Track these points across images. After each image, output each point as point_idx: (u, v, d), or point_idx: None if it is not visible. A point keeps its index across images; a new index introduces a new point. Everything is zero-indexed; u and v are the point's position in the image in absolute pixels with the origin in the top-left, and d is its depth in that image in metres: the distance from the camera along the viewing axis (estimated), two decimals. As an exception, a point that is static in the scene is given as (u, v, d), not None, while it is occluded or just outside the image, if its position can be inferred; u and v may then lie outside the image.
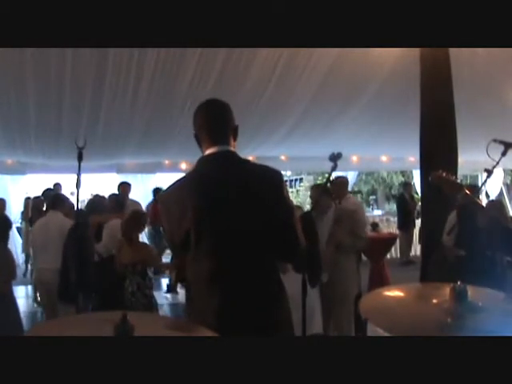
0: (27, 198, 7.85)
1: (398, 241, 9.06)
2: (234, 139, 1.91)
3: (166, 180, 12.68)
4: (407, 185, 10.17)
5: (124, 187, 6.94)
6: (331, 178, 2.82)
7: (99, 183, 8.59)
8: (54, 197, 4.96)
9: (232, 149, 1.87)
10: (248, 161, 1.93)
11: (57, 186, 7.82)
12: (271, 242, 1.79)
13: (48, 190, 7.58)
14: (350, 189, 6.17)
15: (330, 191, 4.36)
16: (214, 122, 1.89)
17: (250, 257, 1.79)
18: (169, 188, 1.90)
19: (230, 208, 1.75)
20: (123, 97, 5.83)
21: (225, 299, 1.73)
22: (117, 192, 7.13)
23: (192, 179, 1.84)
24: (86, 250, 4.19)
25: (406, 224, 9.16)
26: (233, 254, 1.76)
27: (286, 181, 20.44)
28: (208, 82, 5.79)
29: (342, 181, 5.78)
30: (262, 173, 1.86)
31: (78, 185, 3.13)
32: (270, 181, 1.83)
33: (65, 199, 4.94)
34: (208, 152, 1.84)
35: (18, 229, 8.67)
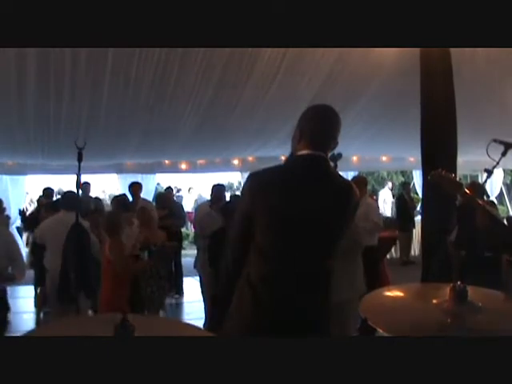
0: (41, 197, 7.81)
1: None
2: (330, 151, 1.97)
3: (166, 180, 12.74)
4: (406, 185, 10.18)
5: (135, 187, 6.94)
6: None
7: (99, 183, 8.61)
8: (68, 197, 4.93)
9: (323, 154, 1.89)
10: (336, 171, 1.98)
11: (86, 185, 7.82)
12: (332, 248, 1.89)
13: (47, 189, 7.60)
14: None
15: None
16: (324, 130, 1.90)
17: (314, 260, 1.85)
18: (261, 172, 1.90)
19: (311, 209, 1.80)
20: (123, 97, 5.82)
21: (281, 296, 1.79)
22: (123, 192, 7.16)
23: (283, 173, 1.89)
24: (86, 250, 4.20)
25: (405, 224, 9.16)
26: (298, 254, 1.81)
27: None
28: (210, 83, 5.79)
29: (359, 180, 5.80)
30: (345, 186, 1.93)
31: (77, 185, 3.14)
32: (348, 194, 1.90)
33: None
34: (304, 152, 1.86)
35: (18, 229, 8.67)
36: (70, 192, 4.64)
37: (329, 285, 1.90)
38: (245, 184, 1.92)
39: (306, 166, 1.86)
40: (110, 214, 4.89)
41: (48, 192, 7.62)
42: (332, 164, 2.40)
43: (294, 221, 1.79)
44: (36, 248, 5.19)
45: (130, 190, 6.93)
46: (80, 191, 3.42)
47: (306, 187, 1.82)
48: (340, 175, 1.98)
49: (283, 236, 1.81)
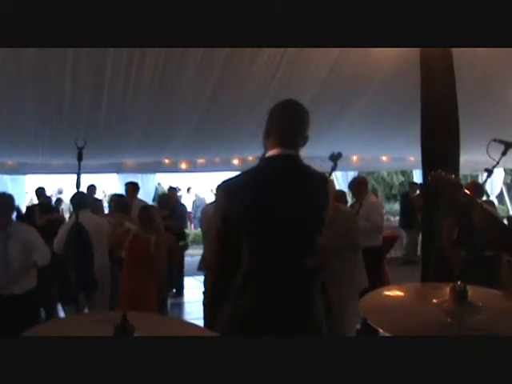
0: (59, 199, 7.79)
1: (399, 240, 9.09)
2: (302, 146, 1.92)
3: (165, 180, 12.72)
4: (413, 184, 10.15)
5: (129, 187, 6.90)
6: (331, 178, 2.83)
7: (98, 184, 8.60)
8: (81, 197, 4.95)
9: (296, 153, 1.88)
10: (309, 166, 1.95)
11: (91, 187, 7.81)
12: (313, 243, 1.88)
13: (40, 189, 7.54)
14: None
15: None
16: (291, 124, 1.88)
17: (299, 259, 1.83)
18: (234, 179, 1.88)
19: (289, 211, 1.79)
20: (123, 96, 5.83)
21: (268, 298, 1.78)
22: (119, 192, 7.14)
23: (255, 176, 1.87)
24: (86, 250, 4.20)
25: (410, 223, 9.14)
26: (281, 252, 1.80)
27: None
28: (209, 82, 5.79)
29: (359, 181, 5.78)
30: (320, 180, 1.92)
31: (78, 185, 3.14)
32: (324, 188, 1.90)
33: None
34: (274, 153, 1.85)
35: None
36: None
37: (315, 282, 1.89)
38: (216, 195, 1.90)
39: (276, 166, 1.84)
40: (153, 209, 4.90)
41: (40, 192, 7.61)
42: (332, 163, 2.40)
43: (272, 223, 1.77)
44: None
45: (125, 190, 6.92)
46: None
47: (278, 188, 1.80)
48: (313, 169, 1.94)
49: (263, 239, 1.78)
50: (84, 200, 4.82)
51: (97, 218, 4.65)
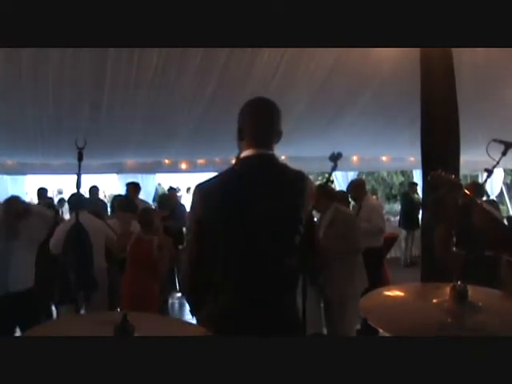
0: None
1: (400, 241, 9.09)
2: (276, 142, 1.91)
3: (165, 180, 12.71)
4: (412, 184, 10.16)
5: (131, 188, 6.90)
6: (331, 178, 2.82)
7: (98, 184, 8.59)
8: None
9: (271, 152, 1.87)
10: (286, 165, 1.93)
11: (94, 188, 7.79)
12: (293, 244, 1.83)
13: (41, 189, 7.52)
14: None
15: (329, 191, 4.33)
16: (263, 124, 1.87)
17: (277, 259, 1.81)
18: (208, 181, 1.86)
19: (266, 211, 1.76)
20: (123, 96, 5.83)
21: (247, 299, 1.76)
22: (120, 193, 7.13)
23: (230, 178, 1.84)
24: (86, 250, 4.20)
25: (412, 223, 9.15)
26: (258, 253, 1.78)
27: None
28: (209, 82, 5.79)
29: (358, 183, 5.81)
30: (298, 178, 1.89)
31: (78, 185, 3.13)
32: (302, 187, 1.86)
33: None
34: (249, 153, 1.84)
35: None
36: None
37: (293, 282, 1.87)
38: (192, 198, 1.85)
39: (251, 166, 1.82)
40: (153, 211, 4.92)
41: (41, 192, 7.60)
42: (332, 163, 2.40)
43: (247, 223, 1.75)
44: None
45: (126, 190, 6.92)
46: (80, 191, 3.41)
47: (254, 189, 1.77)
48: (290, 168, 1.92)
49: (239, 241, 1.76)
50: (82, 201, 4.82)
51: (94, 219, 4.64)
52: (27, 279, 3.78)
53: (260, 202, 1.76)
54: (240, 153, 1.88)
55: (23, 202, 4.01)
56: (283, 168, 1.89)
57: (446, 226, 4.05)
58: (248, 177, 1.81)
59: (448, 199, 3.83)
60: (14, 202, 3.81)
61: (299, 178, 1.89)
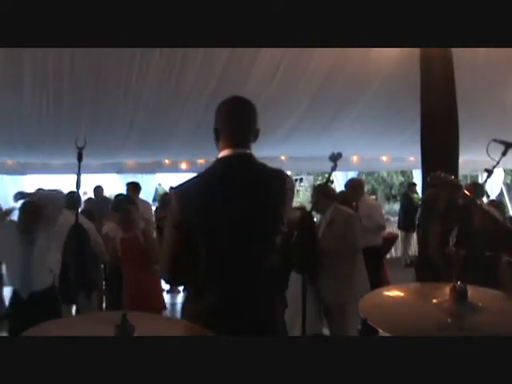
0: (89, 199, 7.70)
1: (399, 241, 9.09)
2: (253, 142, 1.90)
3: (166, 180, 12.72)
4: (411, 185, 10.16)
5: (130, 187, 6.89)
6: (331, 178, 2.82)
7: (99, 183, 8.60)
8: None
9: (249, 151, 1.86)
10: (264, 165, 1.91)
11: (99, 188, 7.78)
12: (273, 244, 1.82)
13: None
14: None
15: (329, 191, 4.32)
16: (239, 123, 1.86)
17: (259, 258, 1.80)
18: (186, 183, 1.85)
19: (245, 211, 1.76)
20: (123, 96, 5.83)
21: (228, 298, 1.75)
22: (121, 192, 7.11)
23: (209, 180, 1.82)
24: (86, 250, 4.21)
25: (411, 224, 9.13)
26: (238, 253, 1.77)
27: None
28: (210, 82, 5.79)
29: (355, 183, 5.82)
30: (277, 177, 1.87)
31: (77, 185, 3.14)
32: (282, 186, 1.85)
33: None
34: (226, 154, 1.83)
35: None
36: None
37: (274, 281, 1.86)
38: (170, 199, 1.83)
39: (230, 167, 1.81)
40: (129, 209, 4.89)
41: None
42: (332, 163, 2.40)
43: (227, 224, 1.74)
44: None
45: (127, 190, 6.92)
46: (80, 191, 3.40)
47: (232, 189, 1.76)
48: (269, 167, 1.90)
49: (219, 241, 1.75)
50: (78, 201, 4.79)
51: (86, 220, 4.65)
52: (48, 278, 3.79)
53: (239, 201, 1.74)
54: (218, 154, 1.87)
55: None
56: (262, 167, 1.87)
57: (440, 224, 4.06)
58: (226, 177, 1.79)
59: (442, 198, 3.84)
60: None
61: (278, 176, 1.87)
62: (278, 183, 1.85)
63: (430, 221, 4.28)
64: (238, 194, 1.76)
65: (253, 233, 1.78)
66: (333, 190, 4.62)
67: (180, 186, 1.84)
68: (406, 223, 9.30)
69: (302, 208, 4.57)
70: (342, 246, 3.98)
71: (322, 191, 4.17)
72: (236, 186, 1.78)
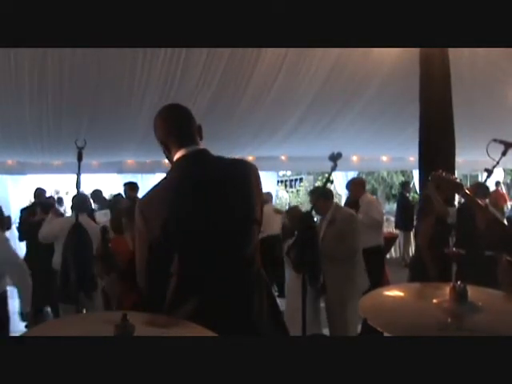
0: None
1: (399, 241, 9.09)
2: (200, 138, 1.90)
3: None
4: (406, 184, 10.17)
5: (127, 187, 6.89)
6: (331, 178, 2.82)
7: (97, 184, 8.60)
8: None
9: (202, 147, 1.86)
10: (223, 157, 1.90)
11: (97, 192, 7.78)
12: (248, 237, 1.81)
13: (39, 189, 7.52)
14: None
15: (327, 193, 4.31)
16: (180, 125, 1.87)
17: (237, 255, 1.78)
18: (147, 194, 1.81)
19: (215, 207, 1.73)
20: (123, 96, 5.83)
21: (212, 299, 1.72)
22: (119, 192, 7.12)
23: (171, 183, 1.79)
24: (86, 250, 4.20)
25: (408, 224, 9.13)
26: (216, 253, 1.74)
27: (286, 181, 20.45)
28: (211, 83, 5.80)
29: (356, 181, 5.90)
30: (239, 167, 1.87)
31: (77, 185, 3.14)
32: (246, 175, 1.84)
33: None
34: (180, 154, 1.82)
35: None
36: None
37: (255, 277, 1.83)
38: (136, 214, 1.76)
39: (187, 166, 1.79)
40: (119, 213, 4.90)
41: (39, 192, 7.58)
42: (332, 163, 2.39)
43: (200, 224, 1.71)
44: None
45: (124, 190, 6.93)
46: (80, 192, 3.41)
47: (196, 187, 1.73)
48: (228, 158, 1.89)
49: (193, 244, 1.72)
50: (86, 203, 4.86)
51: (91, 222, 4.67)
52: None
53: (206, 199, 1.72)
54: (171, 165, 1.86)
55: None
56: (219, 160, 1.87)
57: (428, 226, 4.06)
58: (186, 177, 1.77)
59: (435, 197, 3.85)
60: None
61: (239, 165, 1.87)
62: (241, 174, 1.83)
63: (419, 222, 4.29)
64: (201, 191, 1.73)
65: (227, 228, 1.74)
66: (331, 191, 4.62)
67: (141, 199, 1.81)
68: (402, 222, 9.29)
69: (295, 208, 4.57)
70: (342, 246, 3.97)
71: (320, 193, 4.18)
72: (199, 184, 1.74)
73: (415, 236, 5.17)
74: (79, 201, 4.42)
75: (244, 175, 1.84)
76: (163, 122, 1.90)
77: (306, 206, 10.05)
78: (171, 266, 1.73)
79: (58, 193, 12.27)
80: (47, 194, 7.94)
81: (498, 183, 11.17)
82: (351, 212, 4.37)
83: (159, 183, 1.84)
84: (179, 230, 1.70)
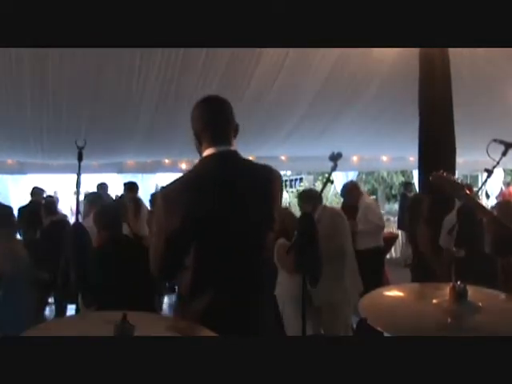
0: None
1: (399, 241, 9.07)
2: (234, 138, 1.88)
3: (166, 180, 12.73)
4: (408, 184, 10.17)
5: (129, 188, 6.88)
6: (331, 178, 2.81)
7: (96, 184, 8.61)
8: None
9: (234, 148, 1.84)
10: (250, 161, 1.91)
11: (103, 185, 7.76)
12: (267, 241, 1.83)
13: (36, 188, 7.52)
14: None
15: (313, 194, 4.27)
16: (218, 120, 1.83)
17: (252, 257, 1.79)
18: (172, 184, 1.79)
19: (236, 209, 1.74)
20: (124, 96, 5.82)
21: (224, 298, 1.73)
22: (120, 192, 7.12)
23: (196, 178, 1.78)
24: (86, 250, 4.20)
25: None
26: (236, 254, 1.75)
27: (286, 181, 20.44)
28: (212, 83, 5.79)
29: (349, 187, 5.91)
30: (265, 173, 1.87)
31: (77, 185, 3.14)
32: (270, 181, 1.85)
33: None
34: (210, 152, 1.80)
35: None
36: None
37: (269, 281, 1.88)
38: (158, 201, 1.77)
39: (215, 165, 1.77)
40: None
41: (36, 191, 7.56)
42: (332, 163, 2.39)
43: (219, 223, 1.71)
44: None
45: (124, 190, 6.92)
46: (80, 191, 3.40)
47: (220, 187, 1.73)
48: (255, 163, 1.88)
49: (211, 242, 1.72)
50: (100, 200, 4.89)
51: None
52: None
53: (228, 200, 1.73)
54: (200, 156, 1.84)
55: None
56: (247, 163, 1.87)
57: (425, 225, 4.05)
58: (212, 175, 1.76)
59: (424, 198, 3.85)
60: None
61: (266, 172, 1.86)
62: (265, 179, 1.83)
63: (415, 222, 4.27)
64: (226, 192, 1.73)
65: (244, 231, 1.75)
66: (316, 192, 4.59)
67: (164, 188, 1.80)
68: (404, 223, 9.29)
69: (286, 209, 4.56)
70: (330, 247, 3.91)
71: (307, 195, 4.18)
72: (223, 183, 1.74)
73: (410, 237, 5.15)
74: (94, 198, 4.42)
75: (267, 181, 1.84)
76: (201, 114, 1.85)
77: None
78: (186, 259, 1.73)
79: (55, 193, 12.28)
80: (45, 195, 7.94)
81: (508, 183, 11.14)
82: (338, 211, 4.32)
83: (184, 176, 1.83)
84: (198, 225, 1.70)
